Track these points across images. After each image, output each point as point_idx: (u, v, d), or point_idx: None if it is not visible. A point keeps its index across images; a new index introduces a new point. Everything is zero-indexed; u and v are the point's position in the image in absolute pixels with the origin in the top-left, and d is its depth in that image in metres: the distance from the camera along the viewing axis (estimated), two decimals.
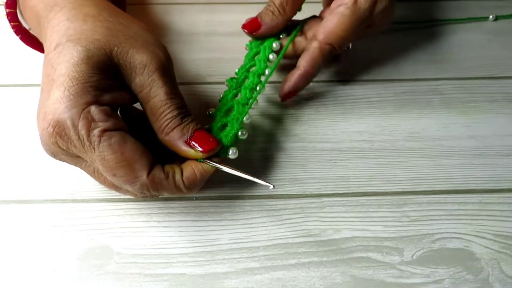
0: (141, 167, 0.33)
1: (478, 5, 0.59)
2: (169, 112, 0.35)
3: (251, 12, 0.56)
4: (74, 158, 0.35)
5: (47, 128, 0.32)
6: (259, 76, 0.44)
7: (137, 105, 0.38)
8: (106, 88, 0.34)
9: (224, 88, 0.47)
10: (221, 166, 0.37)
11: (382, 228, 0.39)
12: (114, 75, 0.35)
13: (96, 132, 0.32)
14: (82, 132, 0.32)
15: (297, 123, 0.46)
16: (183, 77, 0.50)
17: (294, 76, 0.45)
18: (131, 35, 0.36)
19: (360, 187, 0.42)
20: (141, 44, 0.35)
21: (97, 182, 0.37)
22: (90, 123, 0.32)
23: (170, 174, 0.34)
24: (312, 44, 0.45)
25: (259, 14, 0.47)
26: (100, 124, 0.32)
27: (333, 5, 0.46)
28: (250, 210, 0.40)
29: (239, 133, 0.39)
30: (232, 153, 0.38)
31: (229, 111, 0.41)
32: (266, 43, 0.47)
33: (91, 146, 0.32)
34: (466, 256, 0.38)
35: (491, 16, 0.56)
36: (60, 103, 0.32)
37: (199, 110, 0.46)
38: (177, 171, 0.35)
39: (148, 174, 0.33)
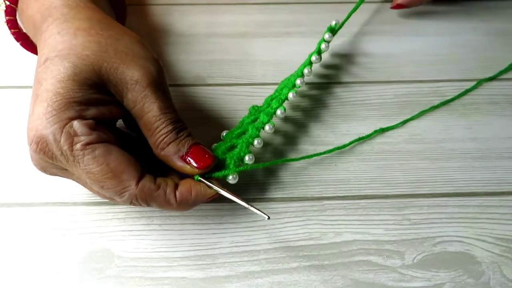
0: (129, 177, 0.33)
1: (479, 6, 0.59)
2: (164, 127, 0.35)
3: (251, 12, 0.57)
4: (64, 171, 0.35)
5: (31, 144, 0.32)
6: (281, 101, 0.43)
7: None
8: (93, 102, 0.33)
9: (225, 89, 0.48)
10: (217, 188, 0.36)
11: (383, 231, 0.39)
12: (104, 91, 0.34)
13: (78, 146, 0.32)
14: (65, 147, 0.31)
15: (298, 125, 0.46)
16: (184, 79, 0.50)
17: None
18: (121, 49, 0.35)
19: (361, 190, 0.42)
20: (131, 58, 0.35)
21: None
22: (72, 137, 0.32)
23: (161, 187, 0.34)
24: None
25: None
26: (82, 138, 0.32)
27: None
28: (251, 213, 0.40)
29: (246, 157, 0.39)
30: (232, 178, 0.38)
31: (242, 134, 0.41)
32: (295, 73, 0.46)
33: (75, 161, 0.32)
34: (467, 260, 0.38)
35: None
36: (42, 119, 0.32)
37: (199, 112, 0.47)
38: (170, 184, 0.35)
39: (137, 184, 0.33)
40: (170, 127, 0.35)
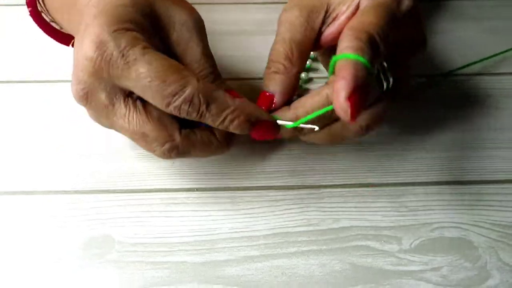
0: (189, 73, 0.32)
1: (473, 5, 0.60)
2: (202, 70, 0.35)
3: (251, 12, 0.58)
4: (111, 95, 0.33)
5: (87, 52, 0.32)
6: None
7: None
8: (147, 30, 0.34)
9: None
10: (282, 121, 0.36)
11: (381, 217, 0.40)
12: (156, 25, 0.35)
13: (139, 46, 0.32)
14: (127, 48, 0.31)
15: None
16: None
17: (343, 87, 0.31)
18: None
19: (358, 179, 0.42)
20: (179, 2, 0.36)
21: (126, 135, 0.35)
22: (132, 41, 0.32)
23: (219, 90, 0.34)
24: (341, 45, 0.33)
25: (264, 84, 0.38)
26: (142, 42, 0.32)
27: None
28: (250, 200, 0.41)
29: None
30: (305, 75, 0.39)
31: None
32: None
33: (136, 60, 0.31)
34: (464, 245, 0.38)
35: None
36: (102, 26, 0.32)
37: None
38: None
39: (198, 80, 0.32)
40: (208, 71, 0.36)
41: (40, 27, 0.43)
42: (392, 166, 0.43)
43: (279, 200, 0.41)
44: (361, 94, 0.31)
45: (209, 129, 0.36)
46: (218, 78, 0.37)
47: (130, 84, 0.32)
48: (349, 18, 0.37)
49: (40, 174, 0.42)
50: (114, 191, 0.41)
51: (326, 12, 0.38)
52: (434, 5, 0.60)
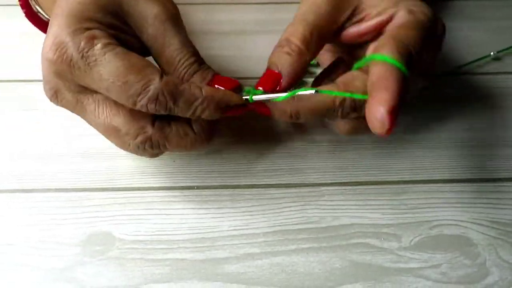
0: (152, 71, 0.32)
1: (476, 5, 0.60)
2: (186, 60, 0.35)
3: (249, 11, 0.58)
4: (76, 94, 0.34)
5: (47, 53, 0.31)
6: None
7: None
8: (112, 27, 0.33)
9: None
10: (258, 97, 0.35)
11: (380, 215, 0.40)
12: (124, 22, 0.34)
13: (99, 45, 0.31)
14: (86, 48, 0.31)
15: None
16: None
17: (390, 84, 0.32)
18: None
19: (358, 177, 0.42)
20: None
21: (100, 131, 0.35)
22: (93, 40, 0.31)
23: (184, 83, 0.33)
24: (383, 50, 0.33)
25: (271, 62, 0.37)
26: (103, 40, 0.31)
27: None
28: (250, 198, 0.41)
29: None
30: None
31: None
32: None
33: (96, 61, 0.31)
34: (463, 242, 0.38)
35: (492, 53, 0.55)
36: (62, 27, 0.31)
37: None
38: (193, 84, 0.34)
39: (161, 78, 0.32)
40: (192, 59, 0.35)
41: (37, 27, 0.43)
42: (392, 164, 0.43)
43: (279, 198, 0.41)
44: (399, 108, 0.31)
45: (187, 120, 0.35)
46: (202, 64, 0.36)
47: (94, 85, 0.32)
48: (381, 25, 0.37)
49: (39, 172, 0.42)
50: (114, 189, 0.41)
51: (354, 10, 0.38)
52: (438, 5, 0.60)
